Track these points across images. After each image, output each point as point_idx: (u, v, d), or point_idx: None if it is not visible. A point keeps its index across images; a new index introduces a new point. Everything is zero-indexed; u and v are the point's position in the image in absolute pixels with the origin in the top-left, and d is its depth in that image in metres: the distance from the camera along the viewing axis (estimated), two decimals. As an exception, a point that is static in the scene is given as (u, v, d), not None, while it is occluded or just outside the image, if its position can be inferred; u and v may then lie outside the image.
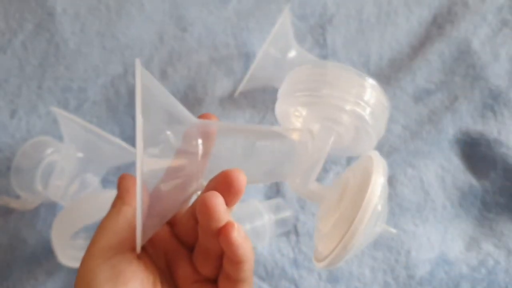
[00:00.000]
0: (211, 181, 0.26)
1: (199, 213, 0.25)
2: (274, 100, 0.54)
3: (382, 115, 0.31)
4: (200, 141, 0.27)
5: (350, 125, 0.31)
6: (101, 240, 0.26)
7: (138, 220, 0.22)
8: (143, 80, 0.23)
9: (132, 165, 0.50)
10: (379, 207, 0.27)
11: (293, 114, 0.33)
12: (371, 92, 0.30)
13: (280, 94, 0.33)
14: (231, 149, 0.28)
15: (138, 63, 0.24)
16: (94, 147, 0.44)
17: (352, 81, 0.30)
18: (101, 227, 0.27)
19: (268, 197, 0.51)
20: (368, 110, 0.30)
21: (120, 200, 0.27)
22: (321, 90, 0.30)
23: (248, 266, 0.26)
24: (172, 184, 0.26)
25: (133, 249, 0.26)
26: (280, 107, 0.33)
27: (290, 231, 0.49)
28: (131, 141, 0.51)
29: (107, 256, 0.25)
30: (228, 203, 0.25)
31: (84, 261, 0.26)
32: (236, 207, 0.27)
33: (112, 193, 0.44)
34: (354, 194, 0.28)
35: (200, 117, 0.29)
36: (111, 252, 0.25)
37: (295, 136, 0.30)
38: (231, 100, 0.54)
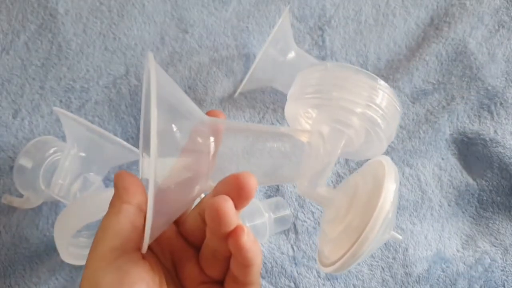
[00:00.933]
0: (220, 183, 0.26)
1: (208, 217, 0.24)
2: (273, 101, 0.55)
3: (394, 118, 0.30)
4: (212, 139, 0.26)
5: (361, 128, 0.30)
6: (104, 242, 0.25)
7: (148, 218, 0.22)
8: (157, 74, 0.22)
9: (133, 164, 0.50)
10: (390, 215, 0.26)
11: (304, 115, 0.32)
12: (382, 94, 0.29)
13: (290, 95, 0.32)
14: (239, 149, 0.28)
15: (150, 56, 0.23)
16: (97, 147, 0.44)
17: (363, 83, 0.29)
18: (102, 228, 0.25)
19: (268, 195, 0.51)
20: (379, 112, 0.29)
21: (119, 199, 0.26)
22: (331, 92, 0.29)
23: (256, 269, 0.25)
24: (180, 183, 0.25)
25: (137, 248, 0.25)
26: (289, 108, 0.32)
27: (289, 229, 0.50)
28: (133, 140, 0.52)
29: (111, 258, 0.24)
30: (238, 206, 0.25)
31: (88, 264, 0.25)
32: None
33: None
34: (365, 201, 0.27)
35: (208, 113, 0.28)
36: (115, 253, 0.25)
37: (304, 138, 0.29)
38: (231, 101, 0.54)
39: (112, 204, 0.26)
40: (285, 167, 0.29)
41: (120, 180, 0.26)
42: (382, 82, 0.30)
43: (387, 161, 0.28)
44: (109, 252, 0.25)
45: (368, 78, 0.29)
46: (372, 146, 0.31)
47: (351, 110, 0.29)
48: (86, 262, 0.25)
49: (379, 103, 0.29)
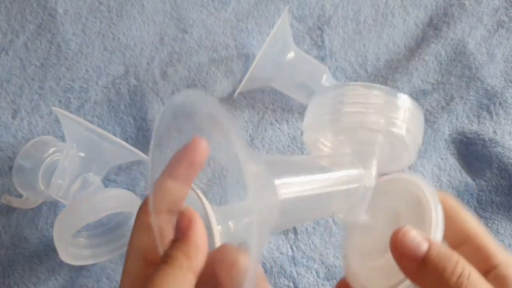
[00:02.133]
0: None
1: None
2: (272, 101, 0.55)
3: (418, 124, 0.30)
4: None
5: (387, 144, 0.29)
6: None
7: None
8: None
9: (133, 164, 0.50)
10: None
11: (323, 140, 0.31)
12: (403, 108, 0.29)
13: (306, 123, 0.31)
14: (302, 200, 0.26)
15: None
16: (96, 147, 0.44)
17: (382, 101, 0.29)
18: None
19: (267, 196, 0.51)
20: (404, 127, 0.29)
21: (187, 262, 0.22)
22: (351, 115, 0.29)
23: None
24: None
25: None
26: (307, 136, 0.32)
27: (289, 229, 0.50)
28: (132, 140, 0.52)
29: None
30: None
31: None
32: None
33: (113, 192, 0.45)
34: None
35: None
36: None
37: (343, 169, 0.28)
38: (230, 101, 0.54)
39: (173, 258, 0.22)
40: (334, 204, 0.28)
41: (197, 236, 0.22)
42: (402, 96, 0.29)
43: (425, 184, 0.27)
44: None
45: (384, 93, 0.29)
46: (402, 156, 0.31)
47: (374, 129, 0.28)
48: None
49: (401, 118, 0.29)
